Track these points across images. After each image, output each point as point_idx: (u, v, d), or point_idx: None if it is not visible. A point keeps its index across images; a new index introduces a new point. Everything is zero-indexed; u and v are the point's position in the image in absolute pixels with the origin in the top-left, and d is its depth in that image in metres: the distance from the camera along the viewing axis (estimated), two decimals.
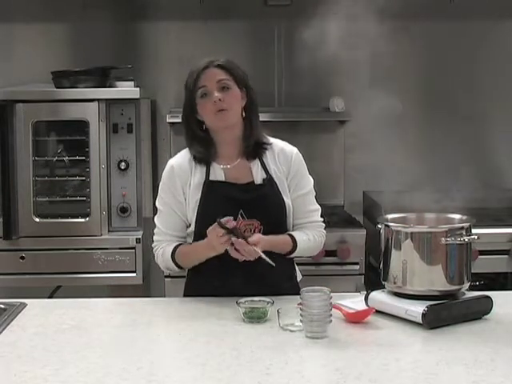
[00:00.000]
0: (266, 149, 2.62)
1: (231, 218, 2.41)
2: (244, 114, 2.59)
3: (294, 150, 2.67)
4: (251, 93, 2.61)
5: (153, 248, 2.67)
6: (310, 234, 2.63)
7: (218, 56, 2.58)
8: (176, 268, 2.60)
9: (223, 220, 2.38)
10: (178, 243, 2.59)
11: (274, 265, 2.40)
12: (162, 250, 2.60)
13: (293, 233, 2.60)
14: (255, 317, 2.29)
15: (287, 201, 2.60)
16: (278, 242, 2.55)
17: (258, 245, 2.41)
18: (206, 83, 2.52)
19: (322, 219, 2.70)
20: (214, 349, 2.07)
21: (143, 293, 3.94)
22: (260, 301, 2.33)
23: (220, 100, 2.50)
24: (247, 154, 2.61)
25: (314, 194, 2.69)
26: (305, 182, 2.66)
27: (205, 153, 2.58)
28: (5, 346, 2.12)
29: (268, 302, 2.32)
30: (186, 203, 2.58)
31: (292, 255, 2.61)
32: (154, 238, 2.66)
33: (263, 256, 2.40)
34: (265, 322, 2.28)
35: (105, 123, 3.84)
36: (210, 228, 2.42)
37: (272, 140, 2.67)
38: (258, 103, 2.64)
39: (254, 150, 2.61)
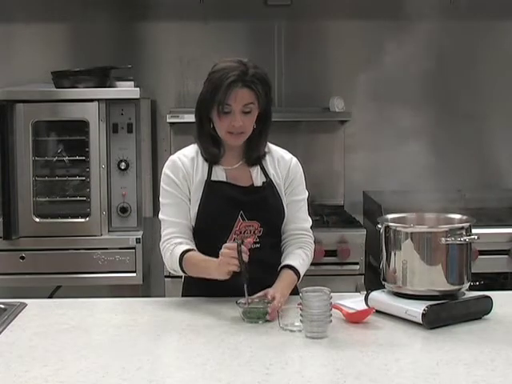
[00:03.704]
0: (264, 155, 2.62)
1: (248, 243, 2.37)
2: (255, 125, 2.56)
3: (294, 158, 2.68)
4: (269, 107, 2.57)
5: (162, 246, 2.56)
6: (302, 254, 2.60)
7: (247, 60, 2.48)
8: (181, 272, 2.53)
9: (244, 249, 2.32)
10: (187, 247, 2.50)
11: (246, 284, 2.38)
12: (173, 247, 2.51)
13: (290, 262, 2.55)
14: (255, 317, 2.29)
15: (285, 206, 2.61)
16: (289, 283, 2.52)
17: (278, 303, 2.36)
18: (231, 103, 2.45)
19: (311, 231, 2.67)
20: (213, 349, 2.07)
21: (143, 293, 3.95)
22: (260, 301, 2.33)
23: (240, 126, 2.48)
24: (249, 161, 2.61)
25: (307, 206, 2.68)
26: (300, 190, 2.66)
27: (216, 153, 2.57)
28: (5, 345, 2.12)
29: (268, 302, 2.32)
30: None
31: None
32: (165, 232, 2.56)
33: (245, 289, 2.35)
34: (265, 322, 2.28)
35: (105, 123, 3.84)
36: (227, 244, 2.37)
37: (272, 147, 2.68)
38: (271, 116, 2.60)
39: (257, 157, 2.61)
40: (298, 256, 2.59)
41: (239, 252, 2.30)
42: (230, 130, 2.50)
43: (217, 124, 2.53)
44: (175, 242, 2.53)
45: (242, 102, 2.47)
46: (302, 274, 2.57)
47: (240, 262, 2.30)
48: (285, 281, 2.52)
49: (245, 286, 2.32)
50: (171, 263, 2.54)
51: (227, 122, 2.48)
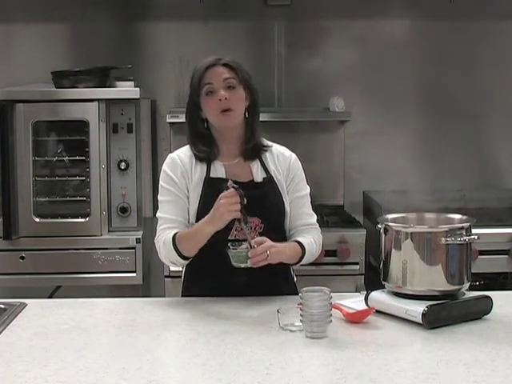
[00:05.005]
0: (265, 150, 2.64)
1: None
2: (247, 115, 2.60)
3: (293, 154, 2.70)
4: (254, 94, 2.62)
5: (156, 240, 2.57)
6: (310, 237, 2.61)
7: (222, 55, 2.59)
8: (178, 257, 2.50)
9: (242, 192, 2.38)
10: (178, 230, 2.51)
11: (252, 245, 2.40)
12: (164, 237, 2.52)
13: (297, 239, 2.58)
14: (238, 261, 2.38)
15: (286, 202, 2.62)
16: (290, 247, 2.54)
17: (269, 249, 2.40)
18: (213, 81, 2.53)
19: (317, 225, 2.69)
20: (213, 349, 2.07)
21: (143, 293, 3.95)
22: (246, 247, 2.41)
23: (226, 99, 2.51)
24: (247, 155, 2.62)
25: (310, 200, 2.70)
26: (301, 186, 2.67)
27: (207, 152, 2.59)
28: (5, 345, 2.12)
29: (247, 246, 2.39)
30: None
31: (301, 262, 2.59)
32: (160, 228, 2.57)
33: (246, 233, 2.42)
34: (248, 267, 2.37)
35: (105, 123, 3.84)
36: (224, 193, 2.39)
37: (271, 144, 2.69)
38: (259, 105, 2.65)
39: (254, 151, 2.63)
40: (307, 238, 2.60)
41: (241, 196, 2.36)
42: (219, 107, 2.52)
43: (206, 110, 2.56)
44: (167, 232, 2.54)
45: (222, 77, 2.53)
46: (306, 252, 2.56)
47: (242, 206, 2.36)
48: (286, 244, 2.55)
49: (245, 228, 2.41)
50: (166, 252, 2.52)
51: (214, 101, 2.52)
